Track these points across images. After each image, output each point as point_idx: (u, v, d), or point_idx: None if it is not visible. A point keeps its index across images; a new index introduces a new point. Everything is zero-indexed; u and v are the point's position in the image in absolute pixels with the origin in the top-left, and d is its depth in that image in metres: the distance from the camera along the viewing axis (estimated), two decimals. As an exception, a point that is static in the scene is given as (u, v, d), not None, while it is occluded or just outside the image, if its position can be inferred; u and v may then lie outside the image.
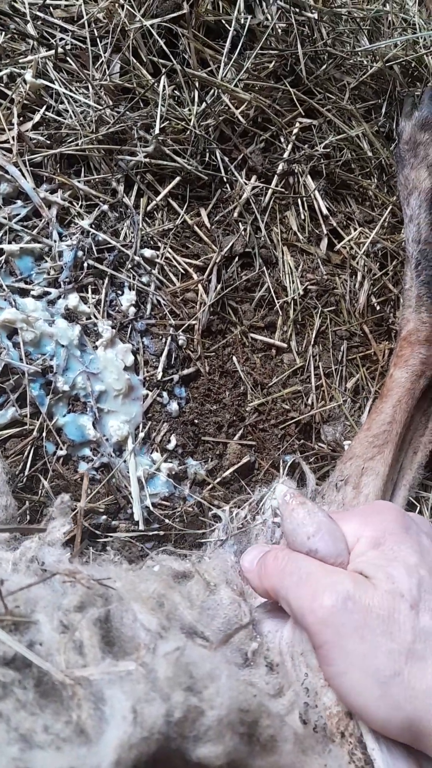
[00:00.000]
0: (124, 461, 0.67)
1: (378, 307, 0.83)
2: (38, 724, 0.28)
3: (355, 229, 0.84)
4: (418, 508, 0.76)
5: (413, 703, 0.36)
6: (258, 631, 0.46)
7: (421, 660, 0.36)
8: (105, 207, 0.70)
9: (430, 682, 0.36)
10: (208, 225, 0.76)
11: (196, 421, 0.73)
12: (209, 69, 0.77)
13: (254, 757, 0.35)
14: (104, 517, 0.65)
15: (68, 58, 0.71)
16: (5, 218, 0.66)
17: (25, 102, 0.69)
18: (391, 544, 0.41)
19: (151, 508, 0.67)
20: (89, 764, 0.27)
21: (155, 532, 0.67)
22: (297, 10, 0.80)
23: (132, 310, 0.69)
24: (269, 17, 0.80)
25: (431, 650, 0.37)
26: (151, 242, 0.73)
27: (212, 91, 0.77)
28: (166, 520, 0.67)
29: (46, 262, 0.67)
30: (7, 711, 0.27)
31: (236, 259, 0.77)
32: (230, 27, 0.78)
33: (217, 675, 0.34)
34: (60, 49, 0.70)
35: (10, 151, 0.67)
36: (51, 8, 0.72)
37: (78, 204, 0.70)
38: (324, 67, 0.83)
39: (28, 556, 0.45)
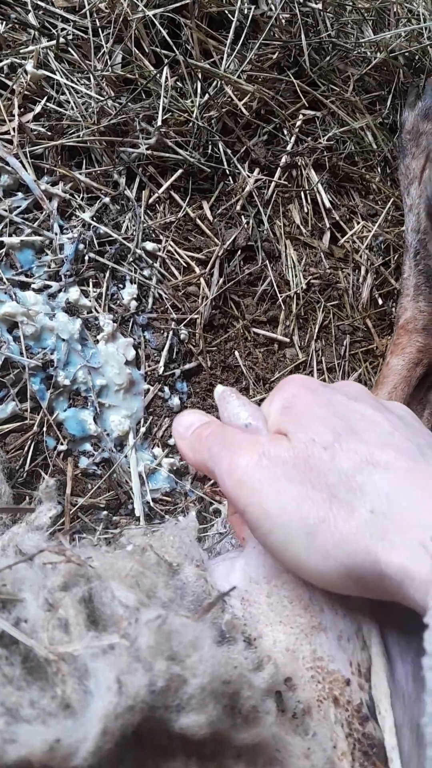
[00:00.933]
0: (125, 456, 0.66)
1: (381, 301, 0.82)
2: (24, 699, 0.28)
3: (358, 223, 0.83)
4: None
5: (344, 549, 0.34)
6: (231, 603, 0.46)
7: (345, 503, 0.34)
8: (106, 199, 0.70)
9: (358, 522, 0.34)
10: (211, 218, 0.76)
11: (197, 415, 0.72)
12: (212, 60, 0.76)
13: (237, 729, 0.35)
14: (105, 512, 0.65)
15: (70, 49, 0.71)
16: (6, 210, 0.65)
17: (26, 93, 0.68)
18: (298, 404, 0.39)
19: (152, 503, 0.66)
20: (75, 736, 0.27)
21: (156, 528, 0.66)
22: (301, 0, 0.79)
23: (133, 303, 0.69)
24: (273, 7, 0.79)
25: (354, 493, 0.35)
26: (153, 235, 0.73)
27: (215, 82, 0.76)
28: (167, 516, 0.67)
29: (47, 255, 0.67)
30: (-6, 684, 0.28)
31: (239, 252, 0.76)
32: (233, 17, 0.77)
33: (200, 644, 0.34)
34: (61, 40, 0.69)
35: (10, 142, 0.66)
36: (52, -3, 0.71)
37: (79, 196, 0.70)
38: (328, 58, 0.82)
39: (15, 541, 0.44)
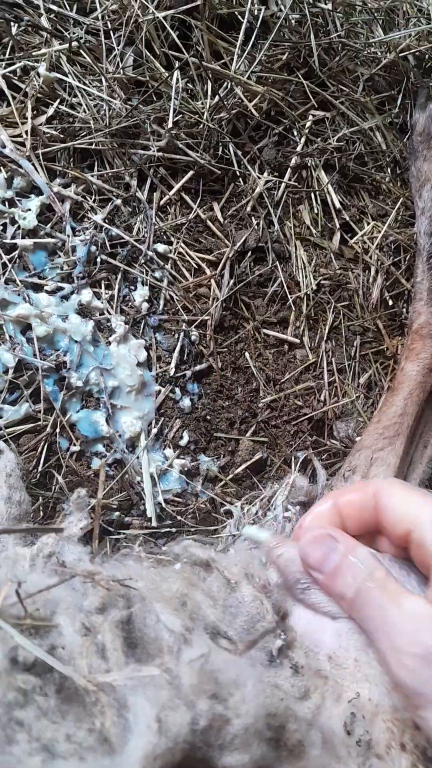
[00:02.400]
0: (137, 457, 0.67)
1: (391, 302, 0.82)
2: (60, 733, 0.28)
3: (368, 223, 0.83)
4: None
5: None
6: (286, 626, 0.46)
7: None
8: (118, 201, 0.70)
9: None
10: (221, 219, 0.76)
11: (208, 417, 0.72)
12: (222, 61, 0.77)
13: (281, 763, 0.35)
14: (117, 513, 0.65)
15: (82, 51, 0.71)
16: (21, 214, 0.66)
17: (39, 95, 0.69)
18: None
19: (164, 504, 0.67)
20: None
21: (167, 529, 0.67)
22: (311, 1, 0.79)
23: (145, 305, 0.69)
24: (282, 8, 0.79)
25: None
26: (164, 237, 0.73)
27: (225, 84, 0.76)
28: (179, 517, 0.67)
29: (60, 257, 0.67)
30: (29, 720, 0.27)
31: (249, 253, 0.77)
32: (243, 18, 0.77)
33: (243, 681, 0.34)
34: (74, 42, 0.70)
35: (23, 145, 0.67)
36: (65, 0, 0.71)
37: (91, 198, 0.70)
38: (338, 58, 0.82)
39: (45, 551, 0.44)
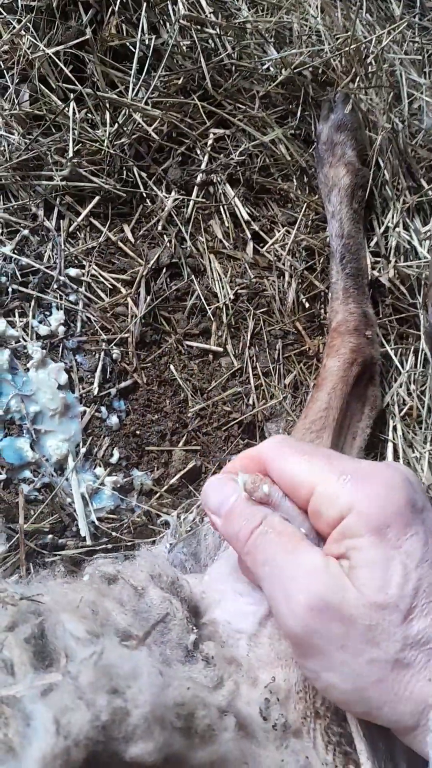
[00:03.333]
0: (66, 479, 0.67)
1: (308, 305, 0.85)
2: None
3: (279, 231, 0.86)
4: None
5: (394, 708, 0.35)
6: (208, 619, 0.47)
7: (408, 667, 0.35)
8: (26, 232, 0.72)
9: (415, 688, 0.34)
10: (132, 240, 0.78)
11: (138, 432, 0.74)
12: (118, 90, 0.80)
13: (194, 749, 0.36)
14: (50, 536, 0.65)
15: (-24, 92, 0.73)
16: None
17: None
18: (395, 532, 0.36)
19: (98, 522, 0.67)
20: None
21: (103, 546, 0.67)
22: (199, 27, 0.83)
23: (62, 329, 0.70)
24: (171, 35, 0.82)
25: (421, 656, 0.35)
26: (76, 261, 0.75)
27: (123, 111, 0.79)
28: (114, 533, 0.68)
29: (-29, 290, 0.68)
30: None
31: (164, 270, 0.79)
32: (135, 49, 0.80)
33: (139, 673, 0.35)
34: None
35: None
36: None
37: (-1, 231, 0.72)
38: (231, 79, 0.86)
39: None
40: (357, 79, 0.93)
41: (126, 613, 0.44)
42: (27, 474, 0.66)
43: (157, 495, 0.72)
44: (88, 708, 0.32)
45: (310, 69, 0.92)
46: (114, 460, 0.71)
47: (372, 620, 0.35)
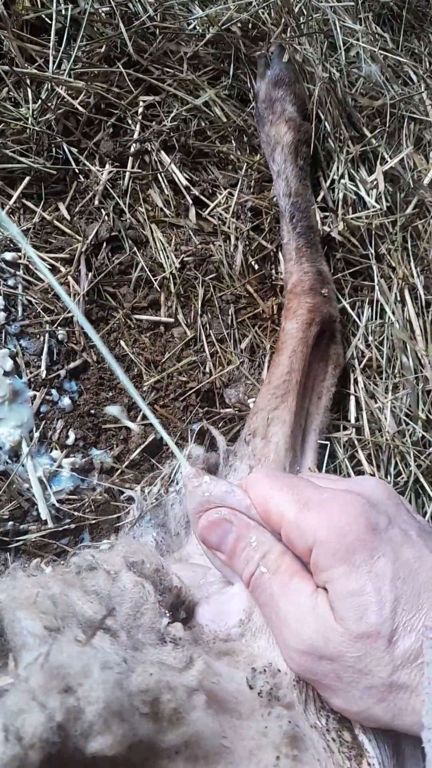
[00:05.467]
0: (22, 465, 0.67)
1: (257, 266, 0.84)
2: None
3: (221, 194, 0.85)
4: (328, 447, 0.77)
5: (404, 720, 0.36)
6: (184, 604, 0.47)
7: (404, 688, 0.36)
8: None
9: (416, 705, 0.36)
10: (68, 217, 0.77)
11: (92, 411, 0.73)
12: (37, 64, 0.77)
13: (163, 732, 0.36)
14: (11, 523, 0.65)
15: None
16: None
17: None
18: (362, 557, 0.38)
19: (58, 504, 0.67)
20: None
21: (67, 526, 0.67)
22: (115, -9, 0.80)
23: (2, 314, 0.69)
24: (88, 2, 0.80)
25: (414, 674, 0.36)
26: (11, 245, 0.73)
27: (46, 85, 0.77)
28: (76, 513, 0.67)
29: None
30: None
31: (104, 245, 0.77)
32: (52, 20, 0.78)
33: (89, 670, 0.35)
34: None
35: None
36: None
37: None
38: (156, 42, 0.83)
39: None
40: (288, 30, 0.91)
41: (92, 602, 0.43)
42: (-20, 463, 0.65)
43: (119, 471, 0.72)
44: (42, 710, 0.32)
45: (239, 24, 0.90)
46: (70, 441, 0.70)
47: (358, 651, 0.36)
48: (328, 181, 0.89)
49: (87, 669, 0.34)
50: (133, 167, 0.81)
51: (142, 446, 0.73)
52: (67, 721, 0.32)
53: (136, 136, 0.81)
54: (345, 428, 0.81)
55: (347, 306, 0.86)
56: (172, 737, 0.36)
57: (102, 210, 0.78)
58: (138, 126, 0.82)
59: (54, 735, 0.31)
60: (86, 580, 0.47)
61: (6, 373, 0.68)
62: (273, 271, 0.85)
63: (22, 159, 0.74)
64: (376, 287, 0.87)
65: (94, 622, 0.41)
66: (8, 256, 0.71)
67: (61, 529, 0.67)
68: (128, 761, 0.35)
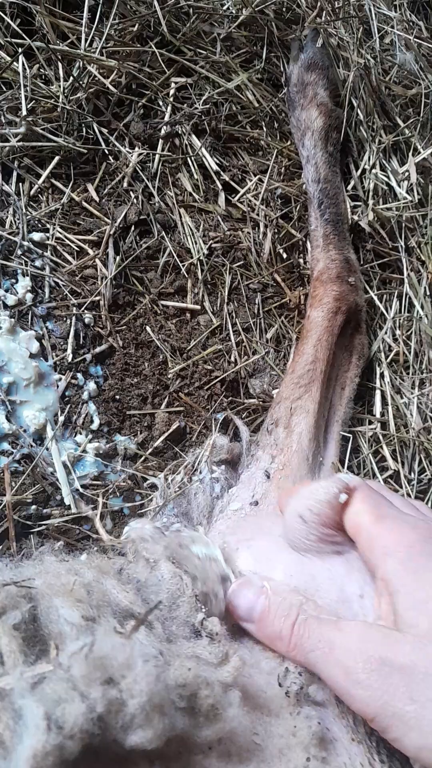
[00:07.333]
0: (47, 449, 0.66)
1: (285, 255, 0.83)
2: None
3: (251, 180, 0.83)
4: (351, 441, 0.76)
5: None
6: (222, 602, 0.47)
7: None
8: (-16, 197, 0.69)
9: None
10: (97, 199, 0.75)
11: (117, 396, 0.72)
12: (70, 41, 0.76)
13: (199, 728, 0.36)
14: (34, 507, 0.64)
15: None
16: None
17: None
18: (422, 563, 0.39)
19: (81, 489, 0.66)
20: None
21: (87, 513, 0.66)
22: (150, -32, 0.79)
23: (29, 296, 0.68)
24: (122, -21, 0.78)
25: None
26: (39, 225, 0.72)
27: (78, 63, 0.76)
28: (99, 499, 0.67)
29: None
30: None
31: (132, 228, 0.76)
32: (85, -4, 0.76)
33: (133, 663, 0.34)
34: None
35: None
36: None
37: None
38: (189, 23, 0.81)
39: None
40: (323, 14, 0.89)
41: (128, 591, 0.43)
42: (5, 446, 0.65)
43: (142, 458, 0.71)
44: (83, 700, 0.31)
45: (273, 6, 0.88)
46: (95, 426, 0.69)
47: (429, 660, 0.36)
48: (359, 170, 0.87)
49: (130, 661, 0.34)
50: (163, 150, 0.79)
51: (167, 434, 0.72)
52: (108, 712, 0.31)
53: (167, 118, 0.80)
54: (370, 422, 0.80)
55: (375, 298, 0.85)
56: (208, 733, 0.36)
57: (131, 192, 0.77)
58: (169, 108, 0.80)
59: (94, 726, 0.31)
60: (124, 567, 0.46)
61: (32, 356, 0.67)
62: (301, 261, 0.84)
63: (53, 138, 0.73)
64: (405, 280, 0.85)
65: (130, 612, 0.41)
66: (36, 236, 0.70)
67: (84, 515, 0.66)
68: (162, 755, 0.34)
